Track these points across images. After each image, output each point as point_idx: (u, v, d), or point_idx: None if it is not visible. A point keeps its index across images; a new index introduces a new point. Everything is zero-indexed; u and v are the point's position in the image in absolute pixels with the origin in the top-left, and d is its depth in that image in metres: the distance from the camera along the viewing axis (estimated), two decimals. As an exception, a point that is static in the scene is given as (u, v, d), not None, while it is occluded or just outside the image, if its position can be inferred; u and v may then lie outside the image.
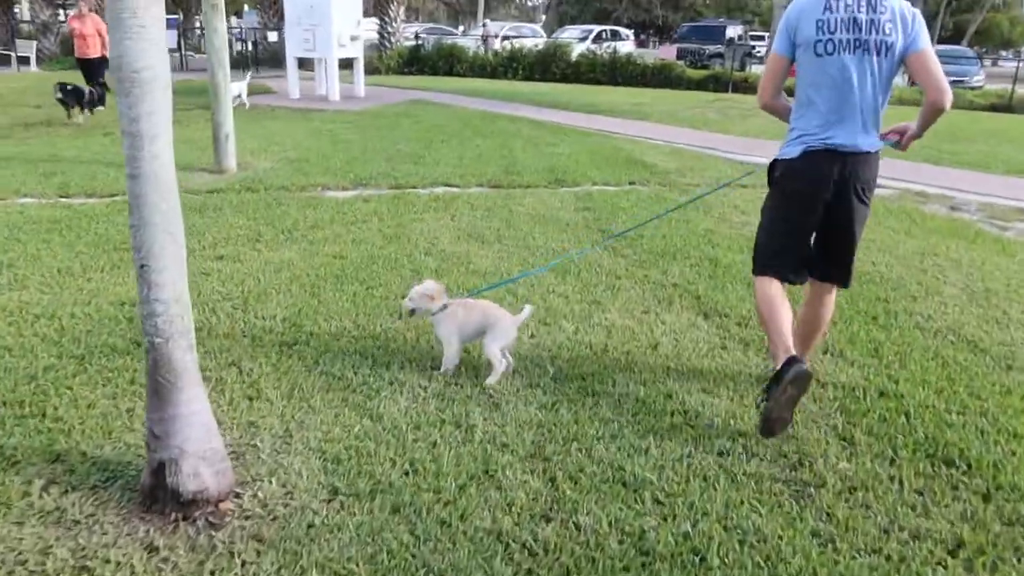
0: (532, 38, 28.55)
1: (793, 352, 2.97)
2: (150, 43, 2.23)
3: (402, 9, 26.47)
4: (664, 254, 5.42)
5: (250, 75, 14.01)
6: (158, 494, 2.43)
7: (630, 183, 8.06)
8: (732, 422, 3.10)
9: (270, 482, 2.59)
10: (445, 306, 3.44)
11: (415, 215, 6.34)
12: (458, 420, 3.03)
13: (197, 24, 36.89)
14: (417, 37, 27.29)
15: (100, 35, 12.51)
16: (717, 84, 21.96)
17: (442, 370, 3.42)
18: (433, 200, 6.88)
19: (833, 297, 3.34)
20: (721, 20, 35.70)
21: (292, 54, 14.90)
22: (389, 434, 2.90)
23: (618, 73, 23.35)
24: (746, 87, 20.75)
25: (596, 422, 3.05)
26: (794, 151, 3.06)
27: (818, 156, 3.00)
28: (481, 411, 3.11)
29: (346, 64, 16.33)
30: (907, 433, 3.06)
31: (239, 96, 12.90)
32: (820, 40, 2.95)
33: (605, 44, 25.80)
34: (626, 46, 27.78)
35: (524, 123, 12.69)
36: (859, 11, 2.90)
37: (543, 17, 64.50)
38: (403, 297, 3.70)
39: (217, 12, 7.38)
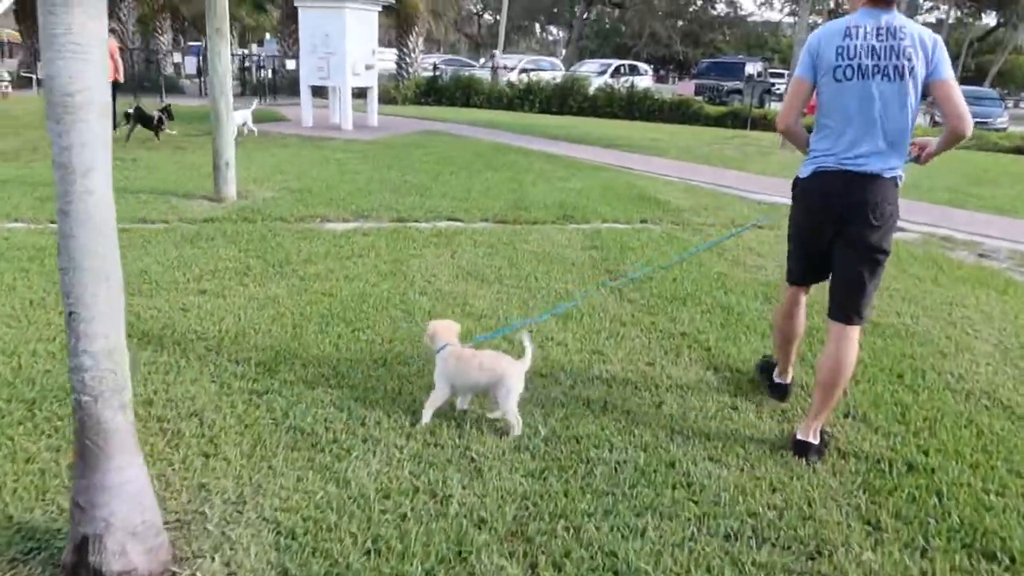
0: (550, 71, 28.54)
1: (787, 379, 3.67)
2: (87, 63, 1.97)
3: (421, 40, 26.57)
4: (673, 299, 5.11)
5: (256, 102, 13.87)
6: (80, 573, 2.13)
7: (642, 221, 7.77)
8: (741, 499, 2.76)
9: (212, 559, 2.28)
10: (444, 347, 3.23)
11: (414, 250, 6.07)
12: (433, 488, 2.71)
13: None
14: (435, 68, 27.34)
15: (112, 58, 12.50)
16: (736, 121, 21.76)
17: (422, 423, 3.13)
18: (435, 235, 6.62)
19: (853, 343, 3.13)
20: (740, 57, 35.66)
21: (306, 82, 14.81)
22: (354, 504, 2.59)
23: (635, 108, 23.22)
24: (765, 124, 20.52)
25: (588, 495, 2.72)
26: (807, 170, 3.16)
27: (829, 177, 3.05)
28: (460, 478, 2.79)
29: (361, 93, 16.27)
30: (940, 517, 2.71)
31: (244, 123, 12.78)
32: (840, 66, 2.98)
33: (623, 78, 25.74)
34: (644, 81, 27.74)
35: (537, 156, 12.48)
36: (879, 38, 2.93)
37: (563, 51, 65.04)
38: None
39: (221, 37, 7.23)
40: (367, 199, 8.01)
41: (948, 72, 2.90)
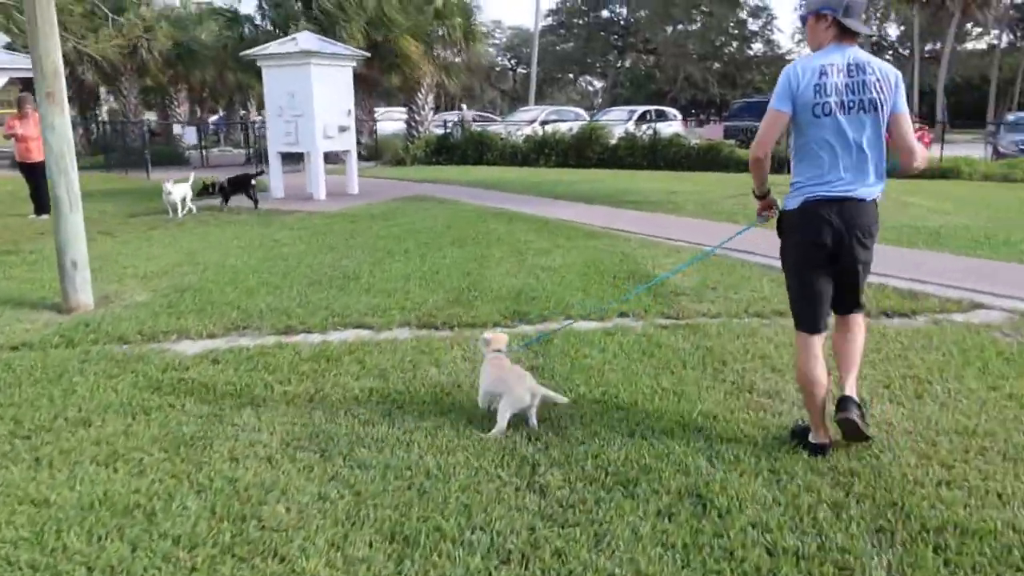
0: (573, 121, 26.82)
1: (826, 439, 3.34)
2: None
3: (431, 97, 25.19)
4: (620, 481, 3.09)
5: (194, 175, 12.19)
6: None
7: (620, 315, 5.76)
8: None
9: None
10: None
11: (261, 390, 4.18)
12: None
13: (240, 118, 36.73)
14: (445, 125, 25.88)
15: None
16: (771, 164, 19.61)
17: None
18: (312, 357, 4.73)
19: (862, 324, 3.49)
20: (776, 96, 33.57)
21: (274, 148, 13.25)
22: None
23: (659, 156, 21.26)
24: (803, 167, 18.31)
25: None
26: (794, 203, 3.32)
27: (817, 206, 3.23)
28: None
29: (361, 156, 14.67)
30: None
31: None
32: (817, 103, 3.16)
33: (646, 125, 23.87)
34: (672, 127, 25.78)
35: (523, 222, 10.56)
36: (850, 75, 3.15)
37: (599, 101, 63.67)
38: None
39: (55, 104, 5.56)
40: (265, 299, 6.20)
41: (905, 107, 3.22)
